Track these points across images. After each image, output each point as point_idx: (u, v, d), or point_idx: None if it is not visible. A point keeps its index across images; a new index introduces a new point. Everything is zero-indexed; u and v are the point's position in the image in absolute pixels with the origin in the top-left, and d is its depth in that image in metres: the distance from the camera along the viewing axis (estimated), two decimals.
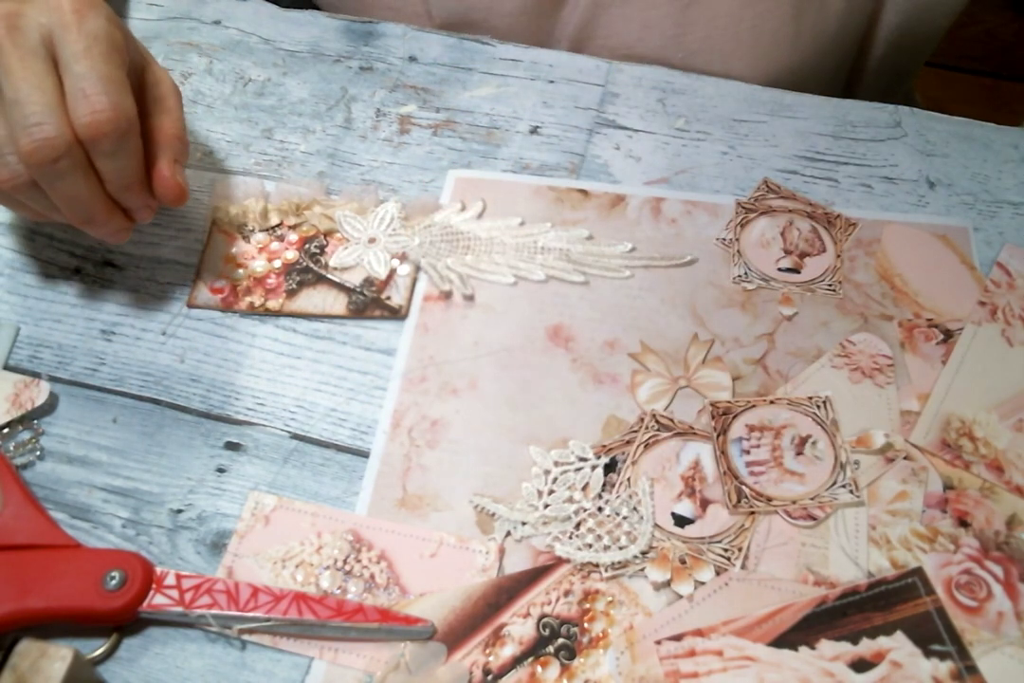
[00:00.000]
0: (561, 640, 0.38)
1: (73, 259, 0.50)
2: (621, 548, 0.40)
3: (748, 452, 0.42)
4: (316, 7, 0.62)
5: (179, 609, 0.38)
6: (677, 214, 0.50)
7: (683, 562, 0.40)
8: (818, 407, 0.43)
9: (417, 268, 0.49)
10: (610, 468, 0.42)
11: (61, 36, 0.40)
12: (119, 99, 0.40)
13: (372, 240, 0.50)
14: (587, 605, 0.39)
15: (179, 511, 0.42)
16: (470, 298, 0.48)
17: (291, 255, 0.50)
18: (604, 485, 0.42)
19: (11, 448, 0.44)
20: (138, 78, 0.45)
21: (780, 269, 0.48)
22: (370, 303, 0.48)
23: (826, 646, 0.37)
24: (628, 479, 0.42)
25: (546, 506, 0.41)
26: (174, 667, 0.38)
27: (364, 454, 0.44)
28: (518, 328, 0.47)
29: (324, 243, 0.50)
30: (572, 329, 0.47)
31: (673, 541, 0.40)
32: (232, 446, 0.44)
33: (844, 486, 0.41)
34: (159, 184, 0.44)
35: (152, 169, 0.44)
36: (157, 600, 0.39)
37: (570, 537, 0.40)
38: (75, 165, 0.40)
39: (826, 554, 0.39)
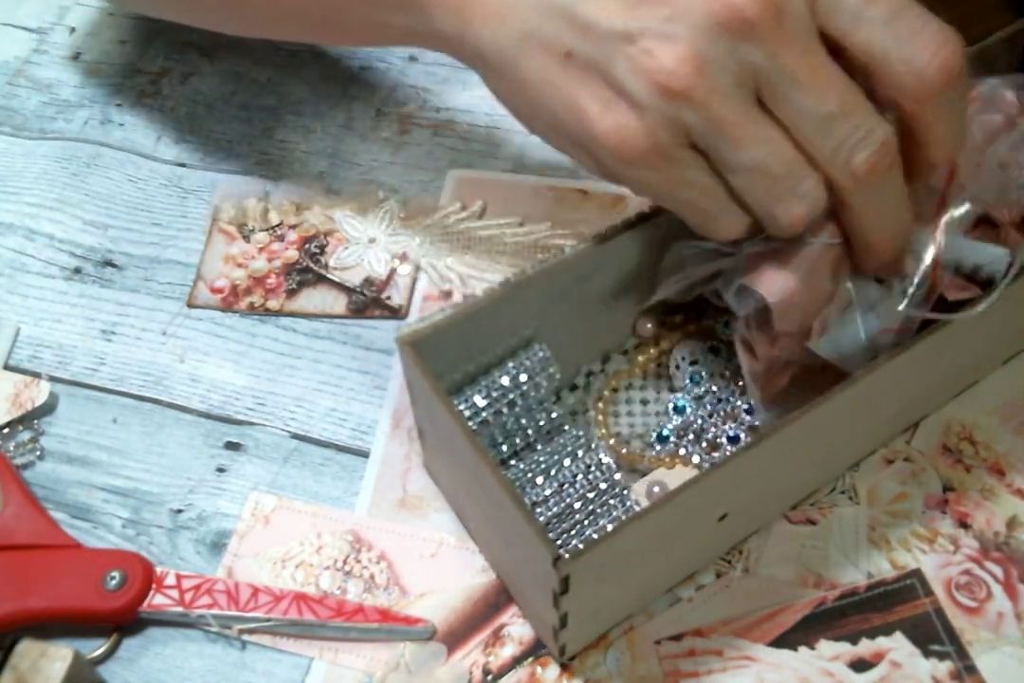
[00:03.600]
0: None
1: (73, 259, 0.50)
2: None
3: None
4: None
5: (179, 609, 0.38)
6: None
7: None
8: None
9: (417, 268, 0.49)
10: None
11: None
12: (951, 31, 0.30)
13: (372, 240, 0.50)
14: None
15: (179, 511, 0.42)
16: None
17: (291, 255, 0.50)
18: None
19: (11, 448, 0.44)
20: None
21: None
22: (370, 303, 0.48)
23: (826, 646, 0.37)
24: None
25: None
26: (174, 667, 0.38)
27: (364, 454, 0.44)
28: None
29: (324, 243, 0.50)
30: None
31: None
32: (232, 446, 0.44)
33: (843, 492, 0.41)
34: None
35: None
36: (157, 600, 0.39)
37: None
38: (895, 162, 0.31)
39: (826, 555, 0.39)
